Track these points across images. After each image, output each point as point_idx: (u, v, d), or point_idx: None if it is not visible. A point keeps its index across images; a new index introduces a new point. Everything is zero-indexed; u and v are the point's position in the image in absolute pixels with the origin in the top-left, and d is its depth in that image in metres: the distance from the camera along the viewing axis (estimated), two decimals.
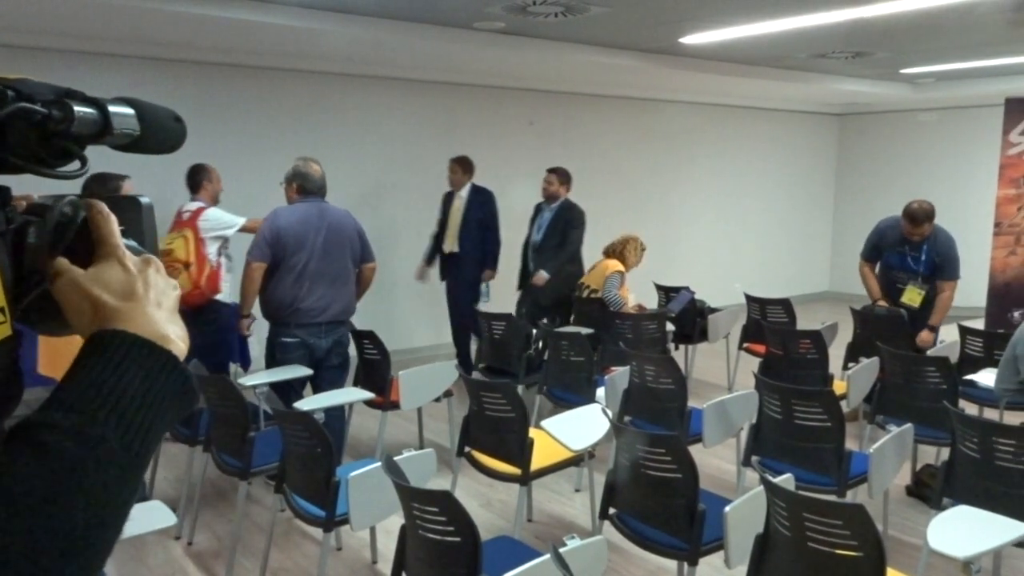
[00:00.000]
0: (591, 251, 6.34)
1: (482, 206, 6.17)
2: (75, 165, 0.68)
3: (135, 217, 0.77)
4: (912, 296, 5.11)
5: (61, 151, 0.67)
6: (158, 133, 0.77)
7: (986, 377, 4.01)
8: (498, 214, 6.22)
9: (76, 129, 0.67)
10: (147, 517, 2.48)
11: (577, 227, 6.03)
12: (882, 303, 5.26)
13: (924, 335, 5.06)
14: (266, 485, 3.96)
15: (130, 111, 0.73)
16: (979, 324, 6.40)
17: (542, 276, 5.87)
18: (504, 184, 7.80)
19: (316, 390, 4.24)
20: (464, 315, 6.23)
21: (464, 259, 6.18)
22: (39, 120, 0.65)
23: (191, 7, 4.52)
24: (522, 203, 7.91)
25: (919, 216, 4.96)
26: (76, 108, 0.67)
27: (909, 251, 5.13)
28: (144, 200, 0.79)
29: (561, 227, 5.99)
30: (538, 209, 6.21)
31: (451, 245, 6.21)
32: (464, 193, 6.16)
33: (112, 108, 0.71)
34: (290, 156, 5.02)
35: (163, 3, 4.43)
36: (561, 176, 6.13)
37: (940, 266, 5.04)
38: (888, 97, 9.03)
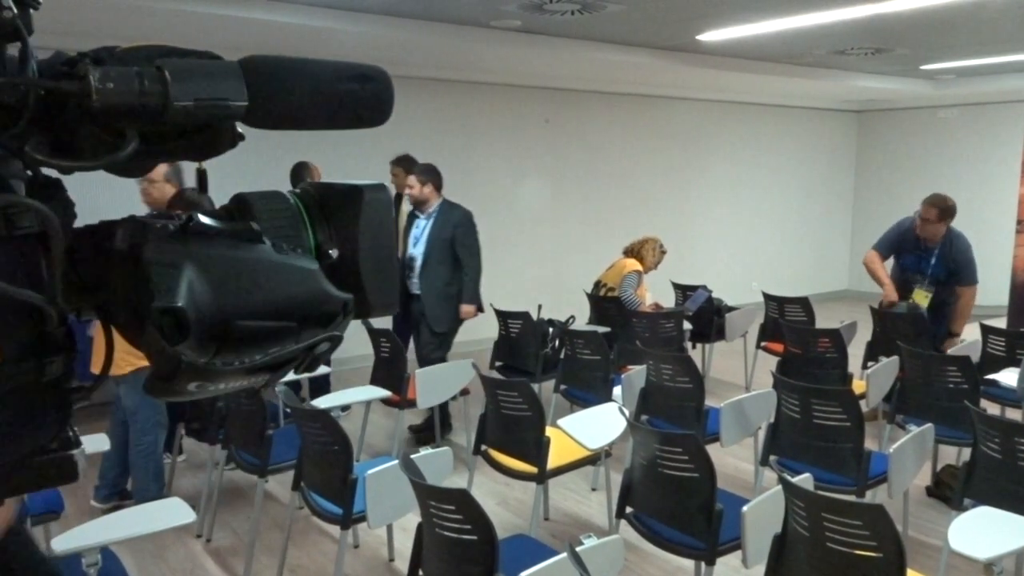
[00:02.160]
0: (608, 250, 6.32)
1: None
2: (129, 148, 0.55)
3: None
4: (919, 298, 5.06)
5: (99, 134, 0.55)
6: (300, 101, 0.60)
7: (1008, 376, 3.96)
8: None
9: (105, 102, 0.52)
10: (167, 514, 2.50)
11: (475, 234, 5.02)
12: (891, 299, 5.19)
13: (947, 344, 5.02)
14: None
15: (228, 70, 0.56)
16: (1001, 323, 6.33)
17: (469, 310, 4.95)
18: (519, 182, 7.81)
19: None
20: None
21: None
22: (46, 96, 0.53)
23: (205, 7, 4.55)
24: (537, 202, 7.92)
25: (933, 211, 4.93)
26: (96, 74, 0.52)
27: (923, 254, 5.09)
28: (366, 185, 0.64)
29: (449, 238, 4.88)
30: (411, 217, 5.04)
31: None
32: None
33: (174, 68, 0.54)
34: (300, 156, 5.07)
35: (177, 3, 4.46)
36: (424, 174, 4.94)
37: (957, 272, 4.99)
38: (908, 93, 8.95)
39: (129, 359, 3.61)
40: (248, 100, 0.57)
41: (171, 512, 2.51)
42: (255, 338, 0.55)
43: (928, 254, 5.07)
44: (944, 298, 5.05)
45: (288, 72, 0.60)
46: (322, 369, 4.46)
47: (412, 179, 4.90)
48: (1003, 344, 4.66)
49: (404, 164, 5.32)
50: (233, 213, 0.60)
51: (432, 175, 4.92)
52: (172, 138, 0.58)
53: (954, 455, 4.10)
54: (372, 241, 0.63)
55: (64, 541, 2.27)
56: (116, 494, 3.88)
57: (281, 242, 0.59)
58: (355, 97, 0.63)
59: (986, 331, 4.82)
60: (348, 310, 0.60)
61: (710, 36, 5.90)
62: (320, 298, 0.58)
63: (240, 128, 0.60)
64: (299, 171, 5.06)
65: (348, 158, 6.72)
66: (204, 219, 0.58)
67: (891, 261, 5.34)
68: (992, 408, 4.32)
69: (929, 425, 3.28)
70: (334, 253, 0.62)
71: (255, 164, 5.13)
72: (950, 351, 4.79)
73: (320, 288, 0.58)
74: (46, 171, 0.57)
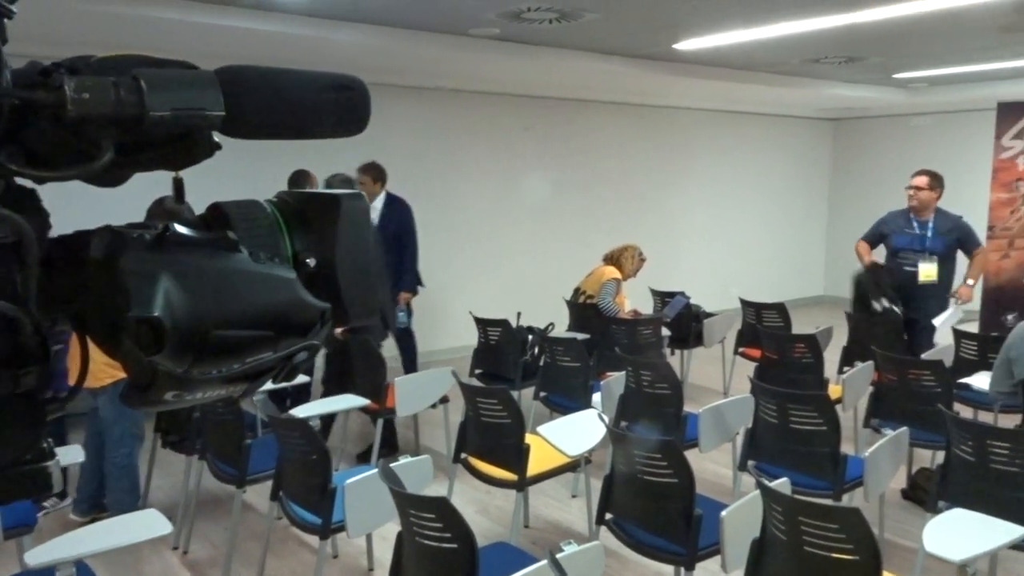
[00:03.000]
0: (587, 257, 6.34)
1: (398, 219, 5.37)
2: (105, 158, 0.54)
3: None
4: (928, 274, 5.18)
5: (74, 144, 0.54)
6: (277, 111, 0.60)
7: (980, 380, 4.02)
8: (415, 227, 5.46)
9: (80, 113, 0.52)
10: (142, 526, 2.47)
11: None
12: (868, 260, 5.41)
13: (963, 290, 5.24)
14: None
15: (204, 80, 0.56)
16: (973, 327, 6.42)
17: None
18: (499, 189, 7.83)
19: None
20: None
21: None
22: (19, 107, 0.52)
23: (183, 14, 4.52)
24: (517, 209, 7.93)
25: (923, 178, 5.18)
26: (72, 84, 0.52)
27: (917, 230, 5.24)
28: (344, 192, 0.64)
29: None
30: None
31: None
32: (377, 204, 5.33)
33: (150, 78, 0.54)
34: (285, 164, 5.04)
35: (165, 11, 4.43)
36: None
37: (962, 240, 5.22)
38: (881, 102, 9.07)
39: (108, 370, 3.57)
40: (225, 110, 0.56)
41: (147, 524, 2.48)
42: (232, 348, 0.55)
43: (923, 229, 5.22)
44: (947, 271, 5.23)
45: (265, 82, 0.60)
46: (301, 378, 4.43)
47: (363, 176, 5.29)
48: (975, 348, 4.73)
49: (372, 172, 5.43)
50: (210, 222, 0.60)
51: (376, 172, 5.35)
52: (148, 148, 0.58)
53: (929, 458, 4.15)
54: (350, 249, 0.63)
55: (38, 555, 2.24)
56: (96, 507, 3.83)
57: (258, 251, 0.59)
58: (332, 106, 0.63)
59: (959, 335, 4.89)
60: (326, 319, 0.59)
61: (687, 45, 5.95)
62: (297, 307, 0.58)
63: (217, 137, 0.60)
64: (298, 179, 5.08)
65: (325, 166, 6.70)
66: (180, 229, 0.57)
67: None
68: (965, 411, 4.38)
69: (904, 429, 3.32)
70: (312, 262, 0.62)
71: (234, 171, 5.09)
72: (965, 298, 5.13)
73: (297, 297, 0.58)
74: (20, 180, 0.57)
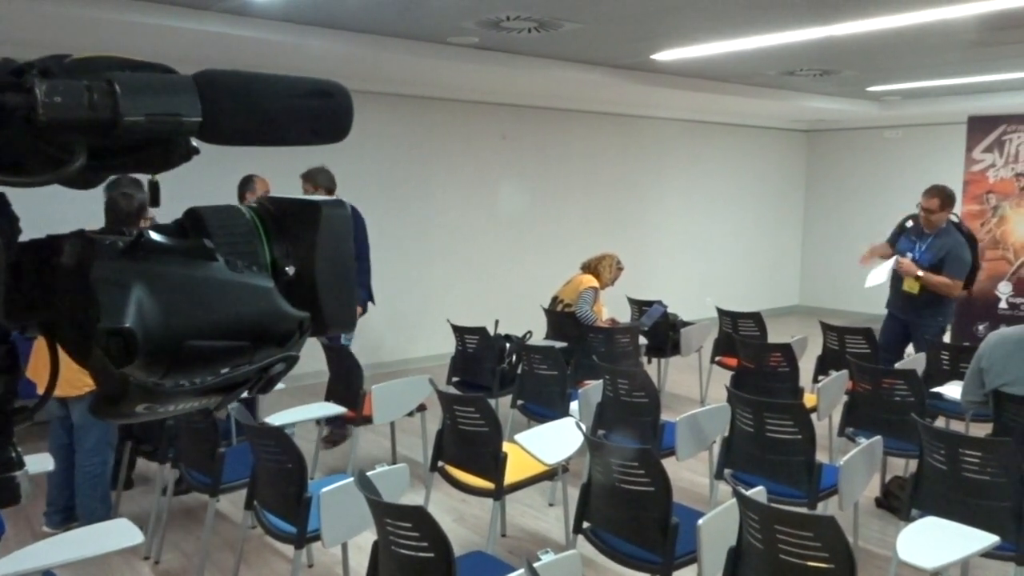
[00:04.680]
0: (565, 266, 6.35)
1: None
2: (77, 163, 0.53)
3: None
4: (910, 284, 5.23)
5: (46, 148, 0.53)
6: (256, 117, 0.58)
7: (952, 390, 4.07)
8: (367, 238, 5.17)
9: (52, 117, 0.50)
10: (113, 536, 2.43)
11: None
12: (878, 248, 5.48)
13: (905, 262, 5.16)
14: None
15: (181, 84, 0.54)
16: (945, 338, 6.51)
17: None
18: (476, 197, 7.83)
19: None
20: None
21: None
22: None
23: (167, 19, 4.48)
24: (494, 217, 7.94)
25: (934, 201, 5.14)
26: (44, 87, 0.50)
27: (916, 239, 5.29)
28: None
29: None
30: None
31: None
32: None
33: (125, 82, 0.52)
34: (255, 170, 5.01)
35: (141, 15, 4.39)
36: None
37: (944, 261, 5.13)
38: (855, 114, 9.20)
39: (85, 379, 3.49)
40: (202, 115, 0.55)
41: (118, 533, 2.44)
42: (206, 359, 0.54)
43: (922, 240, 5.26)
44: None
45: (244, 87, 0.59)
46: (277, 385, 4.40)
47: (305, 184, 5.00)
48: (948, 358, 4.79)
49: (311, 179, 5.09)
50: (186, 228, 0.59)
51: (315, 177, 5.02)
52: (123, 153, 0.56)
53: (902, 467, 4.19)
54: (329, 258, 0.62)
55: (5, 565, 2.19)
56: (69, 518, 3.76)
57: (236, 259, 0.57)
58: (313, 113, 0.62)
59: (932, 346, 4.95)
60: (304, 329, 0.58)
61: (664, 55, 6.00)
62: (275, 317, 0.57)
63: (195, 142, 0.59)
64: (243, 185, 4.95)
65: (300, 170, 6.67)
66: (155, 236, 0.56)
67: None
68: (937, 420, 4.44)
69: (878, 438, 3.35)
70: (291, 270, 0.60)
71: (211, 176, 5.05)
72: (903, 267, 5.11)
73: (275, 307, 0.57)
74: None
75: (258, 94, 0.59)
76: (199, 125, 0.55)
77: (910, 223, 5.41)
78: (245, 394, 0.60)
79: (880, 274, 5.28)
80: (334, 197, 0.64)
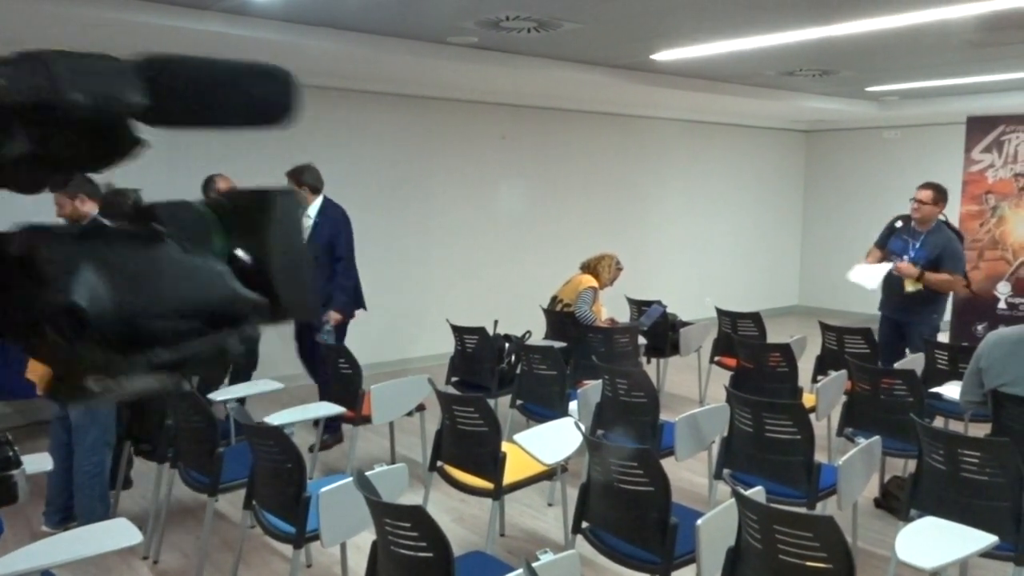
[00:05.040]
0: (565, 265, 6.35)
1: (331, 227, 4.90)
2: (18, 145, 0.52)
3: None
4: (913, 284, 5.24)
5: None
6: (199, 99, 0.58)
7: (951, 390, 4.07)
8: (351, 237, 5.00)
9: None
10: (112, 535, 2.43)
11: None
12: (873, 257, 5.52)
13: (904, 266, 5.16)
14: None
15: (124, 66, 0.54)
16: (944, 337, 6.51)
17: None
18: (476, 197, 7.83)
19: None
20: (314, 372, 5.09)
21: None
22: None
23: (166, 19, 4.48)
24: (493, 217, 7.94)
25: (928, 193, 5.19)
26: None
27: (909, 238, 5.31)
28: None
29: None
30: None
31: None
32: (311, 213, 4.89)
33: (67, 62, 0.51)
34: (263, 169, 4.99)
35: (138, 15, 4.39)
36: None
37: (941, 257, 5.17)
38: (854, 114, 9.20)
39: None
40: (145, 97, 0.54)
41: (116, 533, 2.44)
42: (159, 336, 0.54)
43: (915, 238, 5.28)
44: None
45: (187, 69, 0.58)
46: (274, 385, 4.40)
47: (288, 183, 4.78)
48: (946, 358, 4.79)
49: (296, 177, 4.91)
50: (135, 219, 0.59)
51: (300, 174, 4.86)
52: (68, 144, 0.55)
53: (901, 467, 4.19)
54: (283, 245, 0.62)
55: (3, 565, 2.19)
56: (68, 518, 3.76)
57: (187, 243, 0.57)
58: (254, 96, 0.61)
59: (930, 346, 4.95)
60: (261, 311, 0.58)
61: (664, 56, 6.00)
62: (229, 297, 0.57)
63: (145, 135, 0.58)
64: (206, 185, 4.86)
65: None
66: (106, 222, 0.56)
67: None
68: (936, 421, 4.44)
69: (877, 438, 3.35)
70: (246, 257, 0.60)
71: (192, 183, 5.06)
72: (902, 270, 5.13)
73: (229, 288, 0.57)
74: None
75: (202, 76, 0.59)
76: (143, 107, 0.55)
77: (899, 223, 5.46)
78: (201, 376, 0.60)
79: (871, 278, 5.30)
80: (285, 186, 0.63)
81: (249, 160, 5.21)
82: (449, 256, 7.72)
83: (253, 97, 0.61)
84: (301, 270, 0.64)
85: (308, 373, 5.17)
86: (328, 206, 4.95)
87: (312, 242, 4.77)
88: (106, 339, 0.51)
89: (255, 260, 0.61)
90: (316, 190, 4.91)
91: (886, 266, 5.27)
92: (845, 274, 5.50)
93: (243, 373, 4.91)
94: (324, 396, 4.59)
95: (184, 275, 0.56)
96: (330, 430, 4.86)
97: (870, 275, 5.30)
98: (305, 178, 4.86)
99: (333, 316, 4.88)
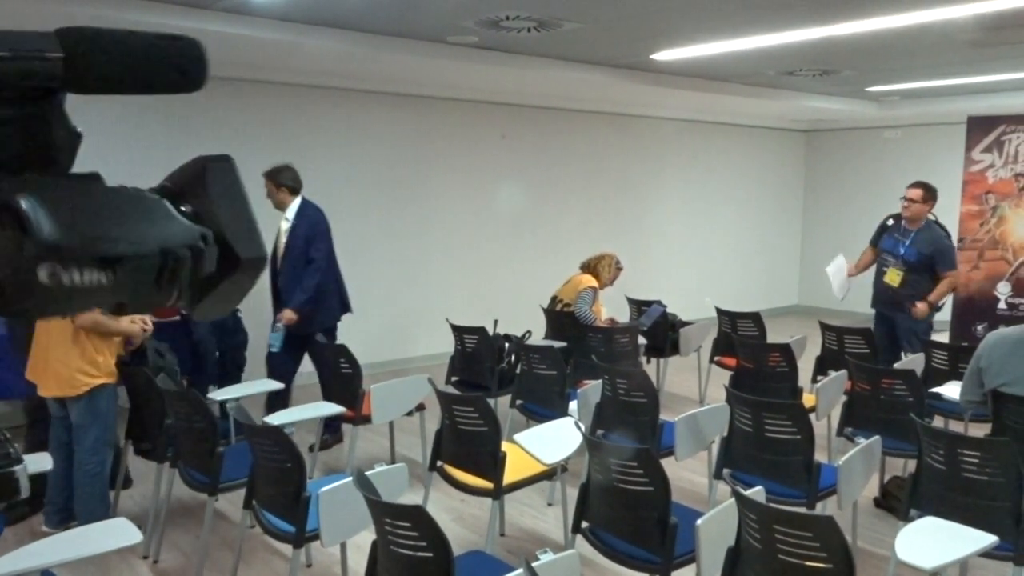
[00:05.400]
0: (565, 265, 6.35)
1: (306, 227, 4.80)
2: None
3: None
4: (892, 277, 5.42)
5: None
6: (114, 63, 0.62)
7: (951, 390, 4.08)
8: (328, 237, 4.88)
9: None
10: (112, 535, 2.43)
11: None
12: (850, 271, 5.77)
13: (920, 307, 5.33)
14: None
15: (41, 33, 0.59)
16: (944, 337, 6.51)
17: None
18: (476, 197, 7.83)
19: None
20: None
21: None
22: None
23: (166, 19, 4.48)
24: (494, 217, 7.94)
25: (918, 191, 5.34)
26: None
27: (900, 236, 5.44)
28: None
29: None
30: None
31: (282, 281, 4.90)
32: (289, 215, 4.83)
33: None
34: (263, 168, 5.00)
35: (140, 15, 4.39)
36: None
37: (933, 258, 5.33)
38: (854, 114, 9.20)
39: (84, 379, 3.52)
40: (64, 57, 0.58)
41: (116, 532, 2.44)
42: (103, 236, 0.57)
43: (905, 236, 5.41)
44: (916, 281, 5.36)
45: (101, 37, 0.62)
46: (274, 385, 4.40)
47: (267, 183, 4.81)
48: (946, 358, 4.79)
49: (274, 177, 4.85)
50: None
51: (277, 175, 4.81)
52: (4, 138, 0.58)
53: (901, 466, 4.19)
54: (224, 198, 0.65)
55: (3, 564, 2.19)
56: (68, 518, 3.76)
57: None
58: (168, 64, 0.66)
59: (930, 346, 4.95)
60: (207, 239, 0.61)
61: (664, 55, 6.00)
62: (174, 222, 0.60)
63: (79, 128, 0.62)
64: None
65: (302, 174, 6.67)
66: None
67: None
68: (936, 420, 4.44)
69: (876, 437, 3.35)
70: (188, 208, 0.64)
71: None
72: (917, 314, 5.29)
73: (172, 214, 0.61)
74: None
75: (115, 45, 0.63)
76: (62, 66, 0.58)
77: (891, 221, 5.57)
78: (158, 292, 0.61)
79: (837, 278, 5.66)
80: (224, 155, 0.67)
81: (249, 159, 5.19)
82: (449, 256, 7.72)
83: (166, 65, 0.65)
84: (245, 215, 0.66)
85: (267, 373, 4.91)
86: (306, 207, 4.86)
87: (290, 243, 4.77)
88: (46, 233, 0.53)
89: (200, 216, 0.63)
90: (295, 191, 4.84)
91: (842, 269, 5.68)
92: (852, 280, 5.71)
93: (232, 374, 4.91)
94: (274, 402, 4.55)
95: (124, 198, 0.59)
96: (330, 430, 4.86)
97: (837, 275, 5.66)
98: (283, 179, 4.80)
99: (287, 315, 4.70)
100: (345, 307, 5.13)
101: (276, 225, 4.89)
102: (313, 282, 4.76)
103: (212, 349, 5.15)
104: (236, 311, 4.86)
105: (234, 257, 0.63)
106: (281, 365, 4.83)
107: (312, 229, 4.80)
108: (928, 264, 5.33)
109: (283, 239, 4.82)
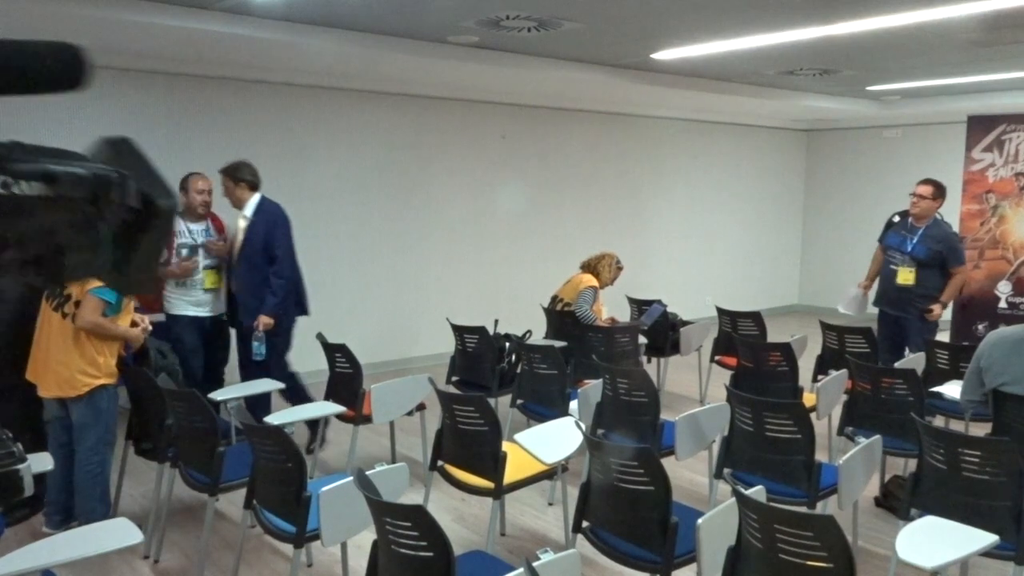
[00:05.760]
0: (565, 265, 6.35)
1: (266, 227, 4.65)
2: None
3: None
4: (904, 276, 5.41)
5: None
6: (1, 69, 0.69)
7: (951, 389, 4.08)
8: (289, 236, 4.74)
9: None
10: (112, 535, 2.43)
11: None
12: (864, 285, 5.78)
13: (937, 310, 5.36)
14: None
15: None
16: (945, 337, 6.51)
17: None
18: (476, 197, 7.83)
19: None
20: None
21: (243, 302, 4.74)
22: None
23: (166, 19, 4.48)
24: (494, 217, 7.94)
25: (928, 188, 5.34)
26: None
27: (907, 232, 5.44)
28: None
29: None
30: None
31: (234, 282, 4.79)
32: (247, 212, 4.69)
33: None
34: (264, 167, 5.00)
35: (139, 14, 4.38)
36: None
37: (944, 253, 5.34)
38: (854, 114, 9.20)
39: (85, 380, 3.52)
40: None
41: (117, 533, 2.44)
42: (38, 152, 0.69)
43: (913, 234, 5.41)
44: (927, 277, 5.36)
45: None
46: (275, 384, 4.40)
47: (225, 180, 4.69)
48: (947, 358, 4.79)
49: (231, 174, 4.73)
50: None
51: (235, 171, 4.69)
52: None
53: (901, 466, 4.19)
54: (134, 165, 0.76)
55: (4, 565, 2.19)
56: (69, 518, 3.75)
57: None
58: (49, 67, 0.72)
59: (931, 345, 4.95)
60: (124, 180, 0.72)
61: (664, 55, 6.00)
62: (100, 166, 0.71)
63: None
64: (183, 183, 4.74)
65: (301, 170, 6.67)
66: None
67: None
68: (937, 420, 4.44)
69: (877, 437, 3.35)
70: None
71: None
72: (935, 320, 5.34)
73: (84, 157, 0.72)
74: None
75: None
76: None
77: (897, 218, 5.58)
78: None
79: (851, 305, 5.72)
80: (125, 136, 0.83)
81: (249, 159, 5.20)
82: (449, 255, 7.72)
83: (47, 68, 0.72)
84: (154, 172, 0.78)
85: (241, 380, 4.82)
86: (265, 203, 4.71)
87: (248, 239, 4.63)
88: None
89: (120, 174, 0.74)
90: (253, 186, 4.71)
91: (856, 296, 5.73)
92: (853, 279, 5.80)
93: (217, 369, 4.84)
94: (256, 403, 4.47)
95: (66, 151, 0.71)
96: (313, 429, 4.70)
97: (853, 303, 5.74)
98: (241, 174, 4.68)
99: (263, 321, 4.60)
100: (302, 309, 4.91)
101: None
102: (281, 282, 4.64)
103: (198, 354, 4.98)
104: (224, 321, 4.81)
105: (152, 208, 0.74)
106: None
107: (272, 226, 4.65)
108: (939, 260, 5.32)
109: (240, 236, 4.67)
